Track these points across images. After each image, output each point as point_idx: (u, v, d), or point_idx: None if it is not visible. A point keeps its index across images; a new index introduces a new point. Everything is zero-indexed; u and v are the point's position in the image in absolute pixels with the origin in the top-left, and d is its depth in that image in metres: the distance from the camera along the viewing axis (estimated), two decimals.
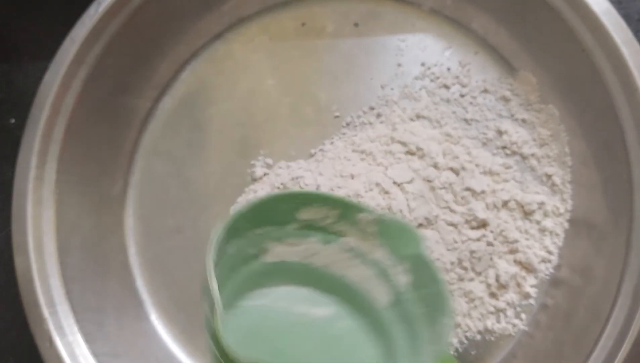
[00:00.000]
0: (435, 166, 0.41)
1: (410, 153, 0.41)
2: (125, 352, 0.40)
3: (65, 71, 0.39)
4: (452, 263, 0.39)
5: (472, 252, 0.40)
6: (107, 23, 0.40)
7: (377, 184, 0.40)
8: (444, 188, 0.40)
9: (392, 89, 0.45)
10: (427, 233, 0.40)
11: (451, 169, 0.41)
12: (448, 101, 0.44)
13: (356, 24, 0.46)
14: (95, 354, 0.37)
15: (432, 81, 0.45)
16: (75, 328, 0.37)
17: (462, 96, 0.44)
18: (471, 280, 0.40)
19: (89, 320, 0.39)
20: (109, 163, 0.44)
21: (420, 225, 0.40)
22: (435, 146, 0.42)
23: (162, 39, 0.45)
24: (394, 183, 0.41)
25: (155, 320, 0.43)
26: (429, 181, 0.41)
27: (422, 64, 0.45)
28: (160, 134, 0.46)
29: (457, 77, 0.45)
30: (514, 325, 0.40)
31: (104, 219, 0.43)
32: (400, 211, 0.40)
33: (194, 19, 0.46)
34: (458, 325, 0.40)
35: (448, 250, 0.40)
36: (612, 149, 0.38)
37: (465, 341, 0.40)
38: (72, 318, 0.37)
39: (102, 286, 0.41)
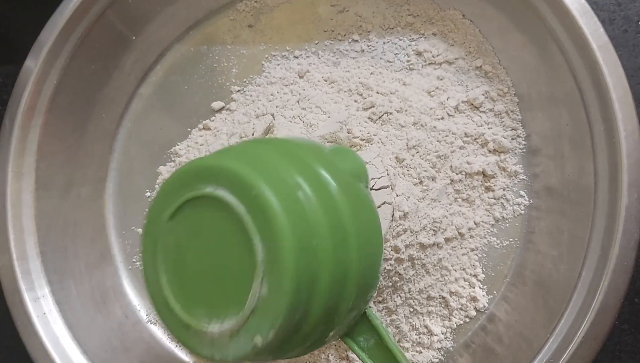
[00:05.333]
0: (381, 102, 0.43)
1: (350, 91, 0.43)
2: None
3: (45, 56, 0.40)
4: (446, 194, 0.41)
5: (449, 165, 0.42)
6: (86, 10, 0.41)
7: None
8: (397, 116, 0.42)
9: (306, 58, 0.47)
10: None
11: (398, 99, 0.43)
12: (362, 51, 0.47)
13: (250, 25, 0.48)
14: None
15: (340, 40, 0.47)
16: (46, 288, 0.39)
17: (369, 43, 0.47)
18: (466, 188, 0.42)
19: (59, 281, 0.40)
20: (89, 141, 0.45)
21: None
22: (372, 86, 0.44)
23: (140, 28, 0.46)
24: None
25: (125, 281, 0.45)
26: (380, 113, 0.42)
27: (325, 31, 0.47)
28: (140, 118, 0.47)
29: (360, 27, 0.47)
30: (519, 204, 0.42)
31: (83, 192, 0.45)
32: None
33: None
34: (475, 226, 0.41)
35: (434, 180, 0.41)
36: (522, 17, 0.41)
37: (484, 237, 0.42)
38: (44, 278, 0.39)
39: (74, 248, 0.43)
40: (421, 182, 0.40)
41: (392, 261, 0.37)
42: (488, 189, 0.42)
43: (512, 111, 0.43)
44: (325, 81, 0.45)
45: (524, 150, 0.43)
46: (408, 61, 0.45)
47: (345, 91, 0.44)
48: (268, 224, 0.23)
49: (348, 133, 0.40)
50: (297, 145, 0.30)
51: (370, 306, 0.30)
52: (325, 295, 0.25)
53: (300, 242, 0.23)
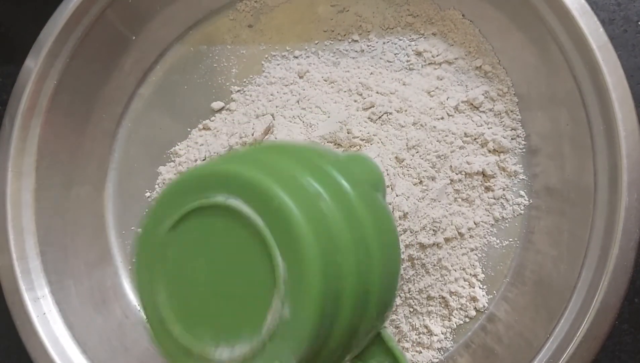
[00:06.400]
0: (380, 102, 0.43)
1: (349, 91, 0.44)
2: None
3: (45, 56, 0.40)
4: (446, 194, 0.41)
5: (449, 165, 0.42)
6: (85, 10, 0.41)
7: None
8: (397, 116, 0.42)
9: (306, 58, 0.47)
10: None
11: (396, 98, 0.43)
12: (362, 51, 0.47)
13: (250, 26, 0.48)
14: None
15: (340, 40, 0.47)
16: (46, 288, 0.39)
17: (369, 43, 0.47)
18: (466, 188, 0.42)
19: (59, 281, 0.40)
20: (89, 141, 0.45)
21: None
22: (372, 86, 0.44)
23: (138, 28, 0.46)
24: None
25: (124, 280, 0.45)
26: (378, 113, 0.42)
27: (325, 31, 0.47)
28: (139, 118, 0.47)
29: (360, 27, 0.47)
30: (519, 204, 0.42)
31: (83, 193, 0.45)
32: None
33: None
34: (474, 226, 0.41)
35: (432, 180, 0.41)
36: (523, 16, 0.41)
37: (484, 237, 0.42)
38: (43, 278, 0.39)
39: (74, 248, 0.43)
40: (421, 182, 0.40)
41: None
42: (488, 189, 0.42)
43: (511, 111, 0.43)
44: (325, 81, 0.45)
45: (524, 150, 0.43)
46: (408, 61, 0.45)
47: (345, 91, 0.44)
48: (291, 240, 0.20)
49: (348, 133, 0.40)
50: (311, 150, 0.27)
51: (385, 326, 0.28)
52: (348, 317, 0.22)
53: (325, 258, 0.21)
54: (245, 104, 0.46)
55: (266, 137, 0.41)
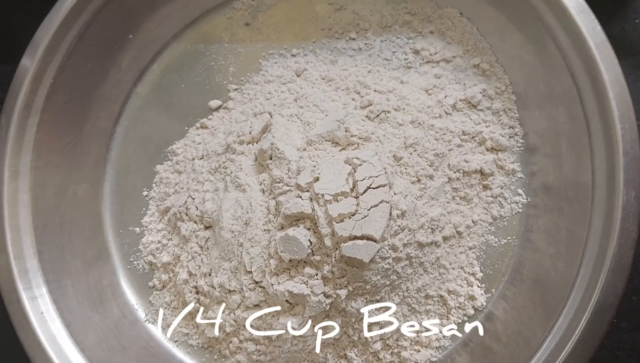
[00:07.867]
0: (378, 100, 0.43)
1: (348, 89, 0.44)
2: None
3: (42, 54, 0.40)
4: (444, 193, 0.41)
5: (447, 163, 0.41)
6: (82, 9, 0.42)
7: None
8: (395, 114, 0.42)
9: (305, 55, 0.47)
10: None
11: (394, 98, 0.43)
12: (360, 49, 0.46)
13: (247, 24, 0.48)
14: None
15: (337, 38, 0.47)
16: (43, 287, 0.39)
17: (367, 41, 0.47)
18: (464, 186, 0.42)
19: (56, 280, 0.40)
20: (86, 139, 0.45)
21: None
22: (369, 84, 0.44)
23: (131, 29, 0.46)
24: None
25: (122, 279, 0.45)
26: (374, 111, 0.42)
27: (322, 29, 0.47)
28: (136, 117, 0.47)
29: (357, 25, 0.47)
30: (517, 202, 0.42)
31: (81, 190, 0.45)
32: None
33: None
34: (473, 225, 0.41)
35: (429, 178, 0.41)
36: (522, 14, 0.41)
37: (482, 236, 0.42)
38: (41, 277, 0.39)
39: (71, 247, 0.43)
40: (419, 180, 0.40)
41: (390, 260, 0.37)
42: (486, 187, 0.42)
43: (509, 109, 0.43)
44: (323, 79, 0.45)
45: (522, 148, 0.43)
46: (405, 59, 0.45)
47: (342, 89, 0.44)
48: None
49: (346, 132, 0.40)
50: None
51: None
52: None
53: None
54: (242, 102, 0.46)
55: (264, 135, 0.41)
